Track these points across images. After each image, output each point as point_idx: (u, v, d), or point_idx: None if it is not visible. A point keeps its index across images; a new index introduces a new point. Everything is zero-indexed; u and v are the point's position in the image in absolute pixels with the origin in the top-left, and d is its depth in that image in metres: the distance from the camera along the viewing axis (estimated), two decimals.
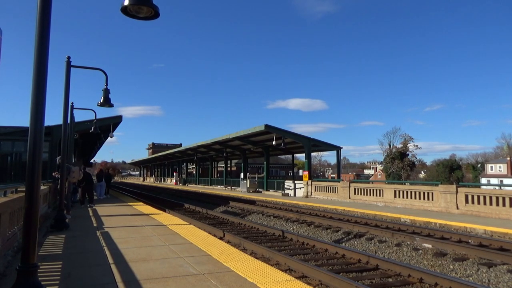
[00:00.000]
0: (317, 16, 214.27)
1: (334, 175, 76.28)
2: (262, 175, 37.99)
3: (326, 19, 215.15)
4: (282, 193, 30.89)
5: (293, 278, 5.39)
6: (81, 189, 18.38)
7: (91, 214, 13.67)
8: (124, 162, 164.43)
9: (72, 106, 16.10)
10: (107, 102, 11.51)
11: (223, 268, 5.76)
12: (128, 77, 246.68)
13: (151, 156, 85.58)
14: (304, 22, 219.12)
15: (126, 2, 4.28)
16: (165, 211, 17.95)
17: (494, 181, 68.54)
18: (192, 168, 72.56)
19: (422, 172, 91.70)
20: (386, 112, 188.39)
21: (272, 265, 7.35)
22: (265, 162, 38.00)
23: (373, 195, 22.23)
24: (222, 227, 14.70)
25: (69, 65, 10.31)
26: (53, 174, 16.78)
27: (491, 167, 78.93)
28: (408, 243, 10.89)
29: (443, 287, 6.93)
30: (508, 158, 76.70)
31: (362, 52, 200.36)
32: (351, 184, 24.46)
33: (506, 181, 67.12)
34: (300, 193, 29.45)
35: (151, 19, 4.60)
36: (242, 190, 36.08)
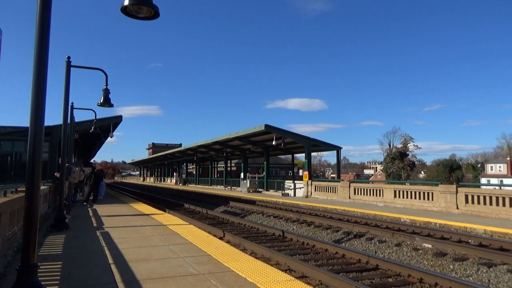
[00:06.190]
0: (312, 14, 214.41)
1: (334, 175, 76.31)
2: (262, 175, 37.97)
3: (321, 17, 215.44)
4: (282, 193, 30.89)
5: (293, 278, 5.38)
6: (89, 187, 18.47)
7: (91, 214, 13.67)
8: (124, 162, 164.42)
9: (72, 106, 16.11)
10: (107, 102, 11.50)
11: (223, 268, 5.76)
12: (126, 76, 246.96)
13: (151, 156, 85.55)
14: (300, 20, 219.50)
15: (126, 2, 4.27)
16: (165, 211, 17.95)
17: (494, 181, 68.51)
18: (192, 168, 72.56)
19: (422, 172, 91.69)
20: (386, 112, 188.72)
21: (272, 265, 7.34)
22: (265, 162, 37.99)
23: (373, 195, 22.23)
24: (222, 227, 14.69)
25: (69, 65, 10.30)
26: (55, 174, 16.80)
27: (491, 167, 78.92)
28: (408, 243, 10.89)
29: (443, 287, 6.93)
30: (508, 158, 76.68)
31: (361, 52, 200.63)
32: (351, 184, 24.46)
33: (506, 181, 67.10)
34: (300, 193, 29.44)
35: (151, 19, 4.59)
36: (242, 190, 36.07)
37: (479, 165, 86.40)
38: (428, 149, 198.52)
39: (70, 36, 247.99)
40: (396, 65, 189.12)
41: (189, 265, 5.92)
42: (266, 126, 27.93)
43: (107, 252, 6.97)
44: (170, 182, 67.08)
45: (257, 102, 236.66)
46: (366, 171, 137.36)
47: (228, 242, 10.34)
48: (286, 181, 32.90)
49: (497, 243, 10.35)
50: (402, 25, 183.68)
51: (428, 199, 18.51)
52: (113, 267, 5.84)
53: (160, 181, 79.93)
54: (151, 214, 13.33)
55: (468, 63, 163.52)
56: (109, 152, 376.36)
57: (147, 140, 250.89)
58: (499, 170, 76.29)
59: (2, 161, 22.88)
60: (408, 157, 71.91)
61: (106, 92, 11.41)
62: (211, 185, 49.62)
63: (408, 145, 72.69)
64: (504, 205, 14.99)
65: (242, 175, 37.98)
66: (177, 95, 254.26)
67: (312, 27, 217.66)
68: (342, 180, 29.50)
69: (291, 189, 30.60)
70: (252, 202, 25.34)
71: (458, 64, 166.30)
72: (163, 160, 70.54)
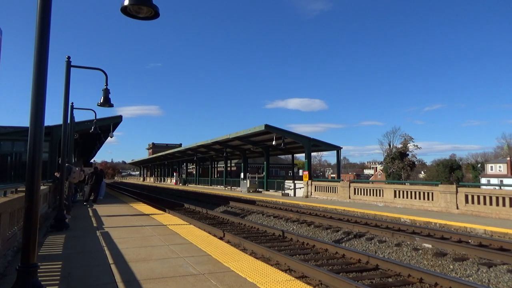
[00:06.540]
0: (312, 14, 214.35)
1: (334, 175, 76.31)
2: (262, 175, 37.98)
3: (321, 17, 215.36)
4: (282, 193, 30.89)
5: (293, 278, 5.39)
6: (90, 187, 18.48)
7: (91, 214, 13.67)
8: (124, 162, 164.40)
9: (72, 106, 16.11)
10: (107, 102, 11.50)
11: (223, 268, 5.76)
12: (126, 76, 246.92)
13: (151, 156, 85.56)
14: (300, 20, 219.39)
15: (126, 2, 4.27)
16: (165, 211, 17.95)
17: (494, 181, 68.50)
18: (192, 168, 72.56)
19: (422, 172, 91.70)
20: (386, 112, 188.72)
21: (272, 265, 7.34)
22: (265, 162, 37.99)
23: (373, 195, 22.23)
24: (222, 227, 14.69)
25: (69, 65, 10.30)
26: (55, 174, 16.80)
27: (491, 167, 78.91)
28: (408, 243, 10.89)
29: (443, 287, 6.93)
30: (508, 158, 76.67)
31: (361, 52, 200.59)
32: (351, 184, 24.46)
33: (506, 181, 67.08)
34: (300, 193, 29.44)
35: (151, 19, 4.59)
36: (242, 190, 36.07)
37: (479, 165, 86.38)
38: (428, 149, 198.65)
39: (70, 36, 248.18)
40: (396, 65, 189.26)
41: (189, 265, 5.92)
42: (266, 126, 27.93)
43: (107, 252, 6.97)
44: (170, 182, 67.07)
45: (257, 102, 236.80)
46: (366, 171, 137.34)
47: (228, 242, 10.33)
48: (286, 181, 32.90)
49: (497, 243, 10.35)
50: (402, 25, 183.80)
51: (428, 199, 18.51)
52: (113, 267, 5.84)
53: (160, 181, 79.92)
54: (151, 214, 13.34)
55: (468, 63, 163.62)
56: (109, 152, 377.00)
57: (147, 140, 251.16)
58: (499, 170, 76.29)
59: (2, 161, 22.89)
60: (408, 157, 71.91)
61: (106, 92, 11.40)
62: (211, 185, 49.62)
63: (408, 145, 72.73)
64: (504, 205, 14.98)
65: (242, 175, 37.98)
66: (177, 95, 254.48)
67: (312, 27, 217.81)
68: (342, 180, 29.50)
69: (291, 189, 30.60)
70: (252, 202, 25.34)
71: (458, 64, 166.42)
72: (163, 160, 70.54)
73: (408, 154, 72.34)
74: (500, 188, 17.79)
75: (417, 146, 73.30)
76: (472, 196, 16.41)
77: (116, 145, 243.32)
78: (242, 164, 42.15)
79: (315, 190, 27.82)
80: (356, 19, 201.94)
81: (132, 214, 13.72)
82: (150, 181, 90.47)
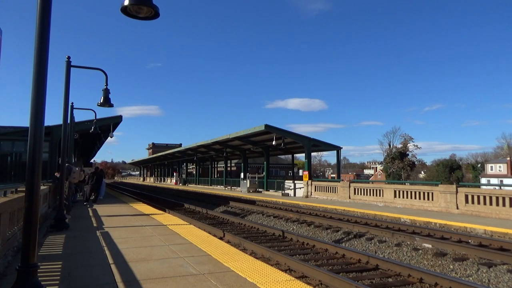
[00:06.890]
0: (312, 14, 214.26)
1: (334, 175, 76.31)
2: (262, 175, 37.98)
3: (321, 17, 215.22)
4: (282, 193, 30.89)
5: (293, 278, 5.39)
6: (90, 187, 18.47)
7: (91, 214, 13.67)
8: (124, 162, 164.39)
9: (72, 106, 16.11)
10: (107, 102, 11.50)
11: (223, 268, 5.76)
12: (126, 76, 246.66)
13: (151, 156, 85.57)
14: (299, 20, 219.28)
15: (126, 2, 4.27)
16: (165, 211, 17.95)
17: (494, 181, 68.49)
18: (192, 168, 72.57)
19: (422, 172, 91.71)
20: (386, 112, 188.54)
21: (272, 265, 7.34)
22: (265, 162, 37.99)
23: (373, 195, 22.23)
24: (222, 227, 14.69)
25: (69, 65, 10.30)
26: (55, 174, 16.79)
27: (491, 167, 78.92)
28: (408, 243, 10.89)
29: (443, 287, 6.93)
30: (508, 158, 76.67)
31: (361, 52, 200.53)
32: (351, 184, 24.46)
33: (506, 181, 67.08)
34: (300, 193, 29.45)
35: (151, 19, 4.59)
36: (242, 190, 36.08)
37: (479, 165, 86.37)
38: (428, 149, 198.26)
39: (70, 36, 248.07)
40: (396, 65, 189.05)
41: (189, 265, 5.92)
42: (266, 126, 27.93)
43: (107, 252, 6.97)
44: (170, 182, 67.08)
45: (257, 102, 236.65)
46: (366, 171, 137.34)
47: (228, 242, 10.34)
48: (286, 181, 32.90)
49: (497, 243, 10.35)
50: (402, 25, 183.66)
51: (428, 199, 18.51)
52: (113, 267, 5.84)
53: (160, 181, 79.93)
54: (151, 214, 13.34)
55: (468, 63, 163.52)
56: (109, 152, 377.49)
57: (147, 140, 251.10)
58: (499, 170, 76.29)
59: (2, 161, 22.90)
60: (408, 157, 71.94)
61: (106, 92, 11.41)
62: (211, 185, 49.62)
63: (408, 145, 72.77)
64: (504, 205, 14.98)
65: (242, 175, 37.98)
66: (177, 95, 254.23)
67: (312, 27, 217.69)
68: (342, 180, 29.50)
69: (291, 189, 30.60)
70: (252, 202, 25.34)
71: (458, 64, 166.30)
72: (163, 160, 70.54)
73: (408, 154, 72.38)
74: (500, 188, 17.79)
75: (417, 146, 73.45)
76: (472, 196, 16.41)
77: (116, 145, 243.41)
78: (242, 164, 42.16)
79: (315, 190, 27.82)
80: (356, 19, 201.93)
81: (132, 214, 13.72)
82: (150, 181, 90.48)
